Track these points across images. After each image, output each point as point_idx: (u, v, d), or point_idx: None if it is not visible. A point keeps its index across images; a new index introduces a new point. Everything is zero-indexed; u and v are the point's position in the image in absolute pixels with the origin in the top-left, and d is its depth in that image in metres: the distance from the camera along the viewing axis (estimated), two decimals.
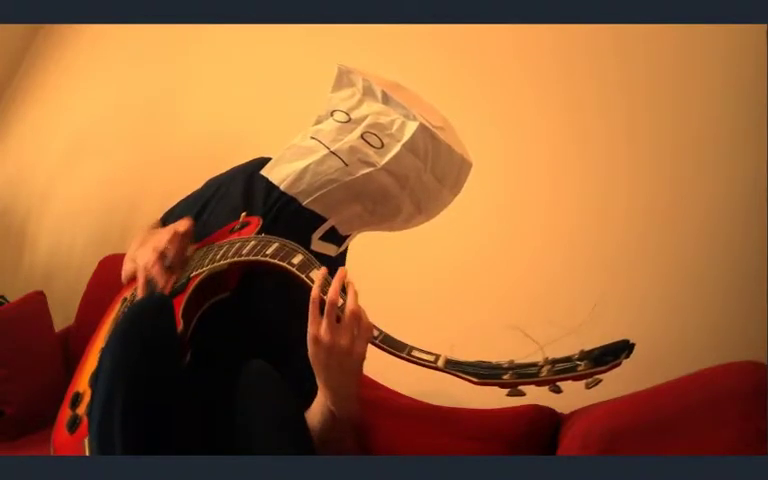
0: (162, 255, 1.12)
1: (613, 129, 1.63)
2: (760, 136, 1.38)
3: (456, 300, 1.72)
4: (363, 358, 0.93)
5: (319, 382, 0.97)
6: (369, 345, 0.93)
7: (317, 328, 0.92)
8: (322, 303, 0.92)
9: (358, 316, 0.91)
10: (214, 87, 2.47)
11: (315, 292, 0.93)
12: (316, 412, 1.01)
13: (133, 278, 1.18)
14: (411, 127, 1.13)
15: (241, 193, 1.26)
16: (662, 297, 1.48)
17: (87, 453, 0.96)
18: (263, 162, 1.25)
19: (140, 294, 1.11)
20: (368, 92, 1.20)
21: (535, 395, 0.82)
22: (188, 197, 1.38)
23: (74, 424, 1.04)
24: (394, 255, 1.71)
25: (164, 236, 1.14)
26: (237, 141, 2.10)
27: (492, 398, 0.89)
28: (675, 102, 1.56)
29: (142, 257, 1.14)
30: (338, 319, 0.92)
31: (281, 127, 1.32)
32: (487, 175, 1.40)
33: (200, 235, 1.24)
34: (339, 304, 0.92)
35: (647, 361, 1.07)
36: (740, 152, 1.45)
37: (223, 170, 1.38)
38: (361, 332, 0.91)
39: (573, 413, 1.23)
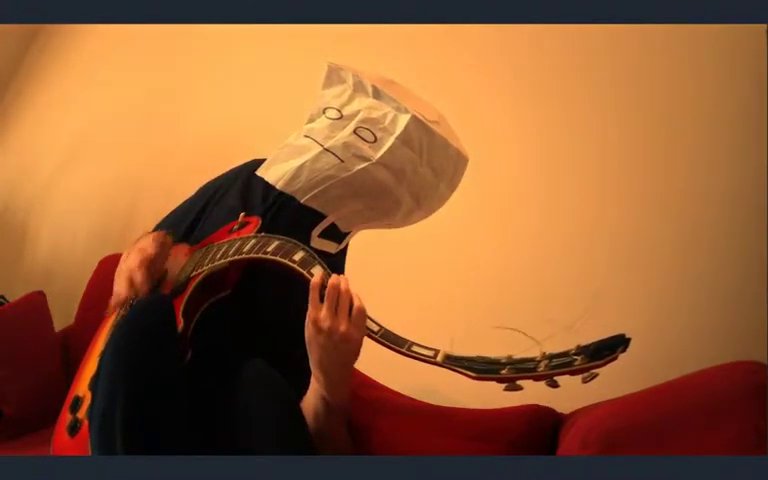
0: (133, 284, 1.10)
1: (612, 128, 1.63)
2: (760, 136, 1.38)
3: (454, 297, 1.72)
4: (359, 344, 0.94)
5: (313, 367, 0.98)
6: (369, 340, 0.94)
7: (317, 312, 0.93)
8: (322, 291, 0.94)
9: (350, 297, 0.93)
10: (214, 87, 2.47)
11: (316, 279, 0.95)
12: (309, 401, 1.01)
13: None
14: (403, 120, 1.14)
15: (239, 194, 1.26)
16: (662, 297, 1.48)
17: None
18: (260, 163, 1.25)
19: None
20: (359, 88, 1.20)
21: (533, 391, 0.82)
22: (180, 207, 1.37)
23: (74, 428, 1.04)
24: (394, 253, 1.71)
25: (134, 261, 1.11)
26: (237, 141, 2.10)
27: (492, 398, 0.89)
28: (675, 102, 1.56)
29: (119, 283, 1.13)
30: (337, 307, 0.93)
31: (282, 127, 1.32)
32: (484, 173, 1.40)
33: (199, 238, 1.24)
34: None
35: (647, 361, 1.08)
36: (740, 152, 1.45)
37: (222, 170, 1.38)
38: (354, 316, 0.93)
39: (573, 413, 1.23)
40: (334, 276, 0.95)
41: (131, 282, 1.10)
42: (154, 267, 1.13)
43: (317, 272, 0.97)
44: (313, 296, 0.94)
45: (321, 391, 0.98)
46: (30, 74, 3.12)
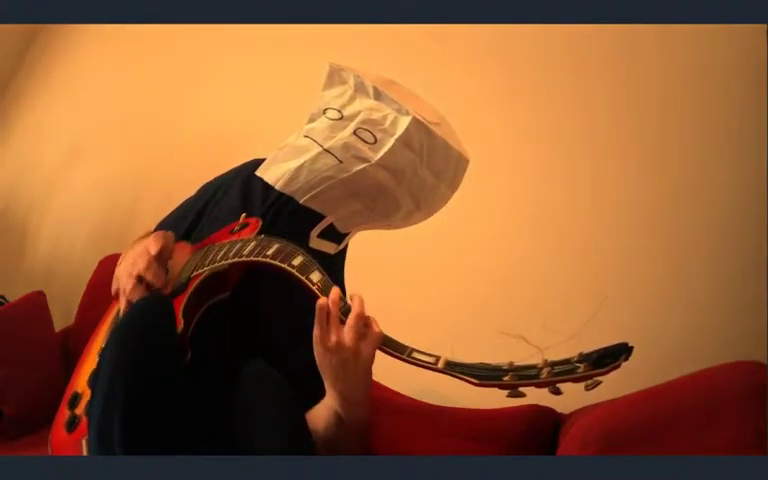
0: (138, 278, 1.11)
1: (612, 130, 1.63)
2: (760, 136, 1.38)
3: (456, 302, 1.72)
4: (370, 361, 0.93)
5: (327, 385, 0.97)
6: None
7: (322, 330, 0.93)
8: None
9: (364, 320, 0.92)
10: (214, 87, 2.47)
11: (323, 299, 0.93)
12: (321, 414, 1.00)
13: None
14: (404, 122, 1.13)
15: (239, 195, 1.26)
16: (662, 297, 1.48)
17: (85, 453, 0.96)
18: (260, 163, 1.25)
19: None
20: (360, 89, 1.20)
21: (534, 396, 0.82)
22: (180, 206, 1.38)
23: (72, 424, 1.04)
24: (394, 257, 1.71)
25: (139, 260, 1.12)
26: (237, 141, 2.10)
27: (492, 398, 0.89)
28: (673, 102, 1.56)
29: (122, 280, 1.14)
30: (343, 321, 0.92)
31: (281, 128, 1.32)
32: (486, 177, 1.40)
33: (199, 238, 1.24)
34: (342, 306, 0.93)
35: (647, 361, 1.07)
36: (740, 152, 1.45)
37: (222, 170, 1.38)
38: (369, 337, 0.92)
39: (573, 413, 1.23)
40: (335, 290, 0.94)
41: (144, 283, 1.10)
42: (160, 264, 1.14)
43: (316, 278, 0.96)
44: (319, 316, 0.93)
45: (334, 406, 0.97)
46: (30, 74, 3.12)
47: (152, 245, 1.14)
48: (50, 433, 1.10)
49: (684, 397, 1.02)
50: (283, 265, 1.00)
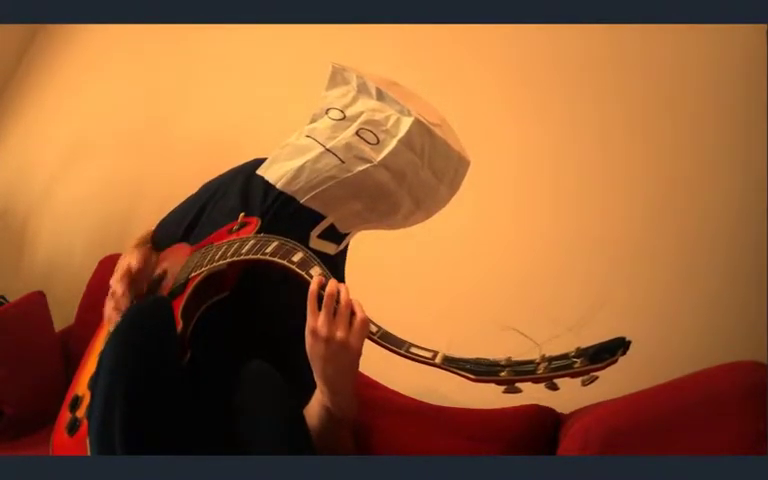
0: (113, 295, 1.15)
1: (613, 129, 1.63)
2: (760, 136, 1.38)
3: (454, 298, 1.72)
4: (359, 353, 0.93)
5: (316, 376, 0.98)
6: (367, 341, 0.93)
7: (315, 320, 0.93)
8: (320, 298, 0.94)
9: (351, 307, 0.93)
10: (214, 87, 2.47)
11: (314, 287, 0.94)
12: (313, 408, 1.01)
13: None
14: (406, 123, 1.13)
15: (239, 194, 1.26)
16: (662, 297, 1.48)
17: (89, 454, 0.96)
18: (261, 163, 1.25)
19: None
20: (362, 89, 1.20)
21: (532, 393, 0.82)
22: (182, 204, 1.38)
23: (74, 427, 1.04)
24: (393, 254, 1.71)
25: (117, 273, 1.18)
26: (236, 141, 2.10)
27: (492, 398, 0.89)
28: (675, 102, 1.56)
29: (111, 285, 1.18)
30: (335, 313, 0.93)
31: (281, 128, 1.32)
32: (488, 175, 1.40)
33: (198, 237, 1.24)
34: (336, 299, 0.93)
35: (647, 361, 1.08)
36: (740, 152, 1.45)
37: (222, 170, 1.38)
38: (356, 326, 0.92)
39: (573, 413, 1.23)
40: (332, 282, 0.95)
41: (113, 294, 1.14)
42: (136, 280, 1.18)
43: (316, 273, 0.97)
44: (311, 305, 0.94)
45: (324, 400, 0.98)
46: (29, 74, 3.12)
47: (134, 261, 1.20)
48: (51, 435, 1.10)
49: (684, 397, 1.02)
50: (283, 262, 1.00)
